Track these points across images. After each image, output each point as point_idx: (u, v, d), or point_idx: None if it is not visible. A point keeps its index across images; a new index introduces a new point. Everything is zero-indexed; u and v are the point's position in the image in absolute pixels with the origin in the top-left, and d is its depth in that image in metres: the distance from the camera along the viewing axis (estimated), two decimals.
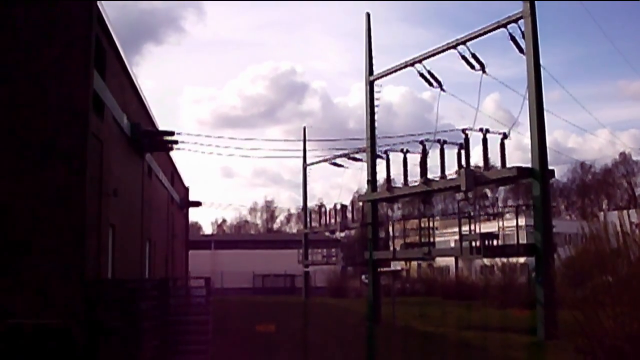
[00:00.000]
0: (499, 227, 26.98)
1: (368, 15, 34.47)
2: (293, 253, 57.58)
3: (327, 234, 53.88)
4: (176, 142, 27.31)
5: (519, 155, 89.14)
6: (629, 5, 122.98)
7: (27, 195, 13.17)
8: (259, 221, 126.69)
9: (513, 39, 24.63)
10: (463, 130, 26.71)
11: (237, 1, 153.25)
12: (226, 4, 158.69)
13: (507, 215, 35.92)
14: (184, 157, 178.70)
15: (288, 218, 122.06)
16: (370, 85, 33.46)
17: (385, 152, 32.39)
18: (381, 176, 33.86)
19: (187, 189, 50.28)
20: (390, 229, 36.16)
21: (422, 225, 30.55)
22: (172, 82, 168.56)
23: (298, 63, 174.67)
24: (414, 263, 60.92)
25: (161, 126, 29.19)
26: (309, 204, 55.68)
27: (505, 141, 25.43)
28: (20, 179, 13.22)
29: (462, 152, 26.71)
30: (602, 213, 59.12)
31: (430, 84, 29.46)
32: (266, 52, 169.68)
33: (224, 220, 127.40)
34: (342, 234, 55.31)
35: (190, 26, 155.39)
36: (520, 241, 25.25)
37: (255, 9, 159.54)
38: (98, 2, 15.02)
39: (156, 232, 30.11)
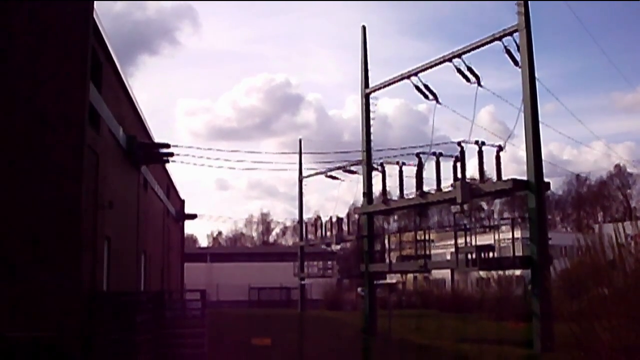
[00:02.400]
0: (494, 240, 26.98)
1: (364, 28, 34.65)
2: (289, 266, 57.42)
3: (323, 246, 53.81)
4: (172, 154, 27.31)
5: (515, 167, 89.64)
6: (623, 17, 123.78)
7: (23, 207, 13.14)
8: (254, 234, 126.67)
9: (508, 51, 24.74)
10: (459, 143, 26.79)
11: (231, 1, 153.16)
12: (222, 16, 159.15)
13: (503, 228, 35.88)
14: (179, 169, 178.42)
15: (284, 231, 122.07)
16: (366, 98, 33.53)
17: (381, 164, 32.43)
18: (377, 189, 33.91)
19: (182, 202, 50.22)
20: (386, 241, 36.10)
21: (418, 237, 30.55)
22: (166, 94, 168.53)
23: (293, 75, 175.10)
24: (410, 275, 60.92)
25: (155, 138, 29.19)
26: (305, 217, 55.63)
27: (501, 153, 25.50)
28: (16, 191, 13.19)
29: (458, 164, 26.77)
30: (597, 225, 59.37)
31: (426, 97, 29.55)
32: (261, 65, 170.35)
33: (220, 233, 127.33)
34: (338, 247, 55.29)
35: (185, 38, 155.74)
36: (516, 253, 25.24)
37: (251, 22, 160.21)
38: (94, 16, 15.05)
39: (152, 245, 30.05)
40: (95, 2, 14.88)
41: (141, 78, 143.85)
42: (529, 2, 24.24)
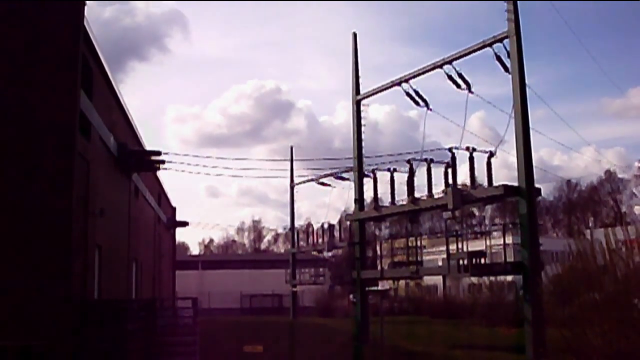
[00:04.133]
0: (486, 246, 26.99)
1: (355, 35, 34.69)
2: (280, 273, 57.37)
3: (314, 253, 53.77)
4: (163, 161, 27.24)
5: (505, 173, 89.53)
6: (612, 23, 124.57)
7: (13, 214, 13.08)
8: (246, 241, 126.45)
9: (498, 58, 24.80)
10: (450, 149, 26.83)
11: (222, 1, 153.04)
12: (213, 23, 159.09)
13: (494, 234, 35.95)
14: (170, 176, 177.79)
15: (275, 238, 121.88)
16: (357, 104, 33.56)
17: (372, 171, 32.45)
18: (368, 195, 33.92)
19: (174, 209, 50.11)
20: (378, 248, 36.09)
21: (410, 244, 30.56)
22: (156, 100, 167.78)
23: (284, 82, 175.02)
24: (402, 282, 60.92)
25: (144, 145, 29.11)
26: (296, 224, 55.61)
27: (492, 159, 25.56)
28: (6, 199, 13.13)
29: (449, 170, 26.81)
30: (588, 230, 59.49)
31: (417, 103, 29.60)
32: (252, 71, 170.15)
33: (211, 240, 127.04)
34: (330, 254, 55.13)
35: (174, 45, 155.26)
36: (508, 259, 25.27)
37: (242, 29, 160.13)
38: (85, 23, 15.03)
39: (143, 252, 29.95)
40: (85, 8, 14.86)
41: (130, 84, 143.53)
42: (519, 8, 24.39)
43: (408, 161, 29.04)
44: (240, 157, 78.78)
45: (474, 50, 25.91)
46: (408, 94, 29.60)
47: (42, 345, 11.98)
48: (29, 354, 11.87)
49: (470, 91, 26.94)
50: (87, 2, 15.12)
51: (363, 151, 33.79)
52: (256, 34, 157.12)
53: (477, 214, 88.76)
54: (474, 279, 38.75)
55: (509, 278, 35.81)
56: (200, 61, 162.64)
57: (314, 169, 46.70)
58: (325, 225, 46.14)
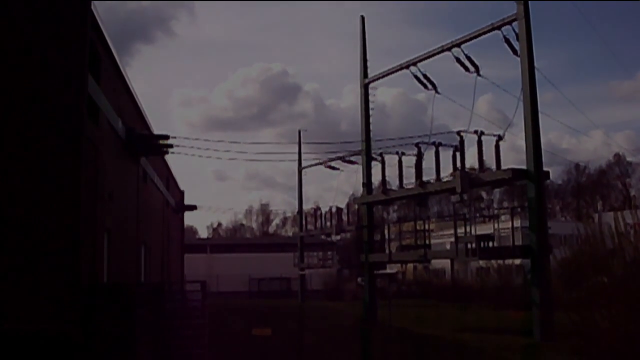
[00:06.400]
0: (494, 229, 27.00)
1: (362, 18, 34.55)
2: (289, 256, 57.52)
3: (322, 237, 53.85)
4: (171, 145, 27.27)
5: (514, 156, 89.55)
6: (620, 6, 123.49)
7: (21, 199, 13.12)
8: (254, 225, 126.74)
9: (507, 41, 24.70)
10: (458, 133, 26.79)
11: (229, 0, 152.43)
12: (219, 5, 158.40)
13: (503, 217, 35.92)
14: (178, 160, 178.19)
15: (283, 221, 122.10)
16: (365, 88, 33.49)
17: (380, 154, 32.45)
18: (376, 179, 33.91)
19: (182, 193, 50.18)
20: (386, 231, 36.14)
21: (418, 227, 30.59)
22: (162, 84, 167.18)
23: (290, 65, 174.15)
24: (410, 265, 61.06)
25: (152, 129, 29.09)
26: (304, 207, 55.68)
27: (500, 143, 25.50)
28: (14, 183, 13.16)
29: (457, 154, 26.77)
30: (597, 214, 59.40)
31: (425, 86, 29.55)
32: (259, 54, 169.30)
33: (220, 224, 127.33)
34: (338, 237, 55.27)
35: (181, 28, 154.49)
36: (516, 243, 25.28)
37: (250, 11, 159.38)
38: (92, 6, 14.98)
39: (152, 236, 30.04)
40: None
41: (136, 67, 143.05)
42: None
43: (416, 144, 29.04)
44: (247, 141, 78.83)
45: (483, 33, 25.80)
46: (416, 77, 29.57)
47: (51, 329, 12.06)
48: (38, 338, 11.96)
49: (478, 74, 26.90)
50: None
51: (371, 134, 33.77)
52: (263, 16, 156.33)
53: (485, 197, 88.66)
54: (482, 263, 38.82)
55: (517, 261, 35.84)
56: (206, 44, 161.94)
57: (323, 152, 46.75)
58: (333, 209, 46.19)
